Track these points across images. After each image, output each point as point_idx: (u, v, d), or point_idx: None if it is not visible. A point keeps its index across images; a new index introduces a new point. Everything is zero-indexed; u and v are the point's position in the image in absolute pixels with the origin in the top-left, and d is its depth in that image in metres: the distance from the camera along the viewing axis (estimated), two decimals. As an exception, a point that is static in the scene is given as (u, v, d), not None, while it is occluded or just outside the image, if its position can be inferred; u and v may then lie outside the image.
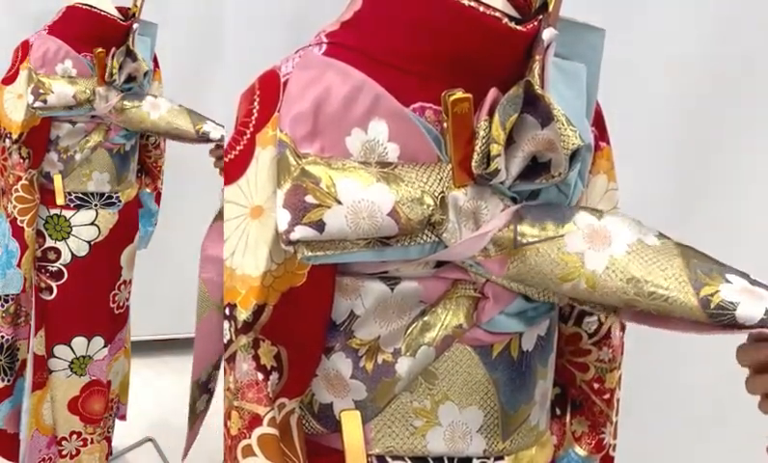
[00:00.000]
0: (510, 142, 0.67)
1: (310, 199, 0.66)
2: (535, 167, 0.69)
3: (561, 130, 0.64)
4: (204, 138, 1.58)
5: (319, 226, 0.66)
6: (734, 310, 0.61)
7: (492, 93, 0.68)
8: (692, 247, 0.67)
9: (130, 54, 1.64)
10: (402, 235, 0.68)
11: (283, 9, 2.09)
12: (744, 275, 0.64)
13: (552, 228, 0.68)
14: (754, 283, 0.63)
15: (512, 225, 0.68)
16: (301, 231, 0.67)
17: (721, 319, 0.62)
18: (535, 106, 0.66)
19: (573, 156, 0.66)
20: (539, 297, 0.73)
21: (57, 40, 1.66)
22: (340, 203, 0.66)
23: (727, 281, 0.63)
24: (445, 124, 0.68)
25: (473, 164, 0.67)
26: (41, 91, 1.62)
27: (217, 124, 1.60)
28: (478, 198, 0.68)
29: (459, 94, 0.66)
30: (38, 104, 1.62)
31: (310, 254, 0.68)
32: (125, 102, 1.65)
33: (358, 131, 0.68)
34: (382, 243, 0.68)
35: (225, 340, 0.74)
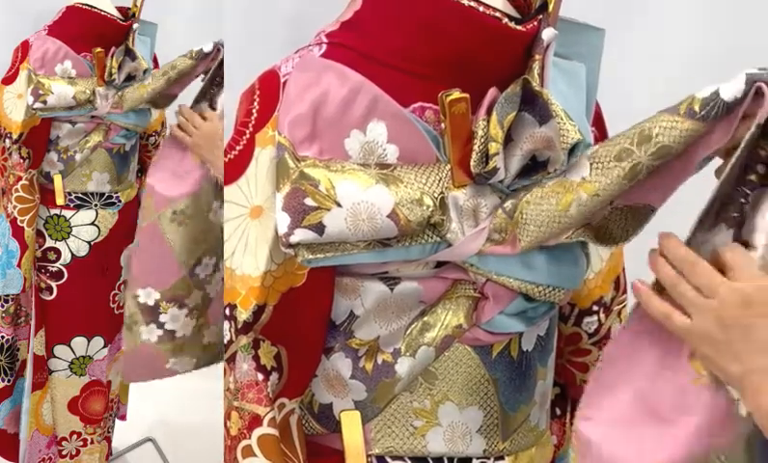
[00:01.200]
0: (509, 140, 0.67)
1: (309, 201, 0.66)
2: (535, 166, 0.69)
3: (560, 125, 0.64)
4: (200, 56, 1.55)
5: (319, 228, 0.66)
6: (718, 96, 0.61)
7: (491, 92, 0.68)
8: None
9: (129, 53, 1.64)
10: (402, 237, 0.68)
11: (283, 9, 2.09)
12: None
13: (534, 186, 0.68)
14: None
15: (499, 209, 0.68)
16: (301, 234, 0.66)
17: (713, 113, 0.61)
18: (533, 104, 0.66)
19: (572, 151, 0.65)
20: (540, 296, 0.73)
21: (56, 40, 1.66)
22: (339, 205, 0.66)
23: (702, 90, 0.62)
24: (443, 125, 0.68)
25: (471, 163, 0.67)
26: (41, 92, 1.62)
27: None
28: (477, 197, 0.68)
29: (456, 94, 0.66)
30: (38, 105, 1.62)
31: (310, 256, 0.68)
32: (124, 92, 1.65)
33: (357, 133, 0.68)
34: (382, 244, 0.68)
35: (225, 341, 0.74)
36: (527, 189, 0.68)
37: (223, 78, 1.53)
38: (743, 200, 0.63)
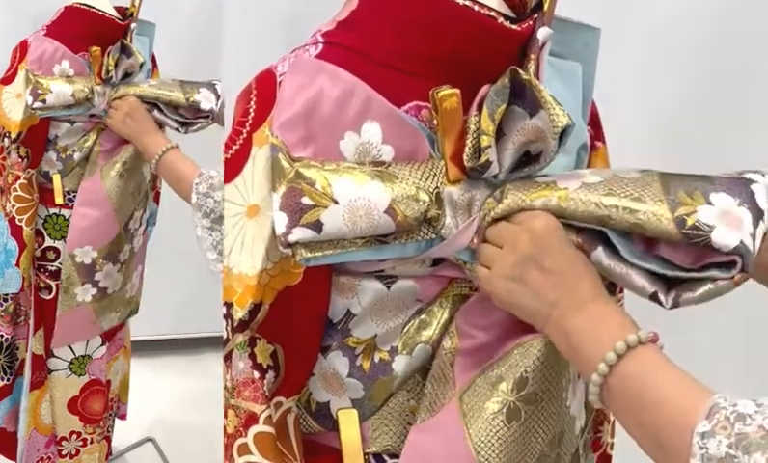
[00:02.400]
0: (501, 135, 0.67)
1: (306, 200, 0.66)
2: (528, 161, 0.69)
3: (549, 110, 0.64)
4: (194, 107, 1.58)
5: (317, 226, 0.66)
6: (709, 232, 0.60)
7: (484, 89, 0.68)
8: (684, 173, 0.65)
9: (125, 50, 1.64)
10: (399, 233, 0.68)
11: (280, 8, 2.09)
12: (741, 184, 0.63)
13: (528, 180, 0.68)
14: (745, 199, 0.62)
15: (492, 196, 0.68)
16: (299, 233, 0.67)
17: (695, 240, 0.60)
18: (523, 96, 0.66)
19: (561, 136, 0.65)
20: None
21: (54, 41, 1.66)
22: (336, 202, 0.66)
23: (709, 202, 0.61)
24: (435, 121, 0.68)
25: (464, 157, 0.67)
26: (40, 91, 1.62)
27: (214, 91, 1.60)
28: (471, 191, 0.69)
29: (447, 89, 0.66)
30: (37, 105, 1.62)
31: (308, 255, 0.68)
32: (119, 89, 1.66)
33: (351, 134, 0.68)
34: (380, 241, 0.68)
35: (223, 339, 0.74)
36: (516, 184, 0.68)
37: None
38: None
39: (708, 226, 0.60)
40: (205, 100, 1.57)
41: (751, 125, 1.48)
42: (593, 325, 0.60)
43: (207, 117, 1.58)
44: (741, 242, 0.59)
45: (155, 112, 1.59)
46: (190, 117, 1.59)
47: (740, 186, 0.63)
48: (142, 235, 1.72)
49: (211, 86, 1.61)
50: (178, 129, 1.59)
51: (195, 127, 1.60)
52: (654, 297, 0.63)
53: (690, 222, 0.60)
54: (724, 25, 1.46)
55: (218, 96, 1.58)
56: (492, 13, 0.68)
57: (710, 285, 0.62)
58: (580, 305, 0.61)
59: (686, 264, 0.62)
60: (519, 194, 0.66)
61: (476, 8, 0.67)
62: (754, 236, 0.60)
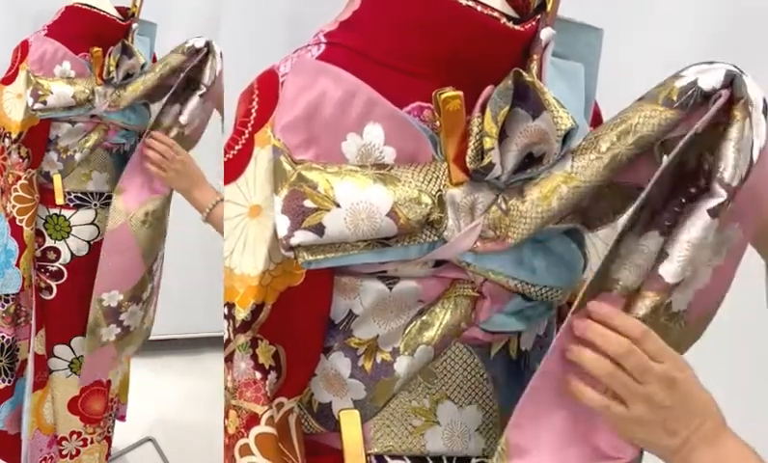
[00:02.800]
0: (504, 136, 0.67)
1: (308, 203, 0.66)
2: (531, 162, 0.69)
3: (553, 113, 0.64)
4: (191, 52, 1.56)
5: (319, 229, 0.66)
6: (696, 83, 0.61)
7: (487, 90, 0.68)
8: None
9: (126, 51, 1.64)
10: (402, 236, 0.68)
11: (281, 8, 2.09)
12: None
13: (527, 183, 0.68)
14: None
15: (496, 203, 0.68)
16: (301, 236, 0.67)
17: (690, 102, 0.61)
18: (526, 98, 0.66)
19: (565, 139, 0.65)
20: (538, 296, 0.73)
21: (54, 41, 1.66)
22: (338, 205, 0.66)
23: (681, 75, 0.63)
24: (438, 123, 0.68)
25: (467, 159, 0.67)
26: (41, 92, 1.62)
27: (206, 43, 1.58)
28: (473, 193, 0.68)
29: (450, 91, 0.66)
30: (38, 106, 1.62)
31: (310, 258, 0.68)
32: (120, 91, 1.66)
33: (354, 136, 0.68)
34: (382, 244, 0.68)
35: (224, 340, 0.74)
36: (524, 184, 0.68)
37: (198, 83, 1.54)
38: (677, 209, 0.64)
39: (691, 83, 0.62)
40: (197, 40, 1.56)
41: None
42: (721, 458, 0.62)
43: (199, 91, 1.55)
44: (727, 70, 0.61)
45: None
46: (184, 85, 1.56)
47: (710, 61, 0.65)
48: (160, 269, 1.73)
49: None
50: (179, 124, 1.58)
51: (191, 105, 1.56)
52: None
53: (675, 95, 0.62)
54: (724, 26, 1.46)
55: (211, 47, 1.56)
56: (495, 14, 0.68)
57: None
58: (708, 440, 0.63)
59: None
60: (528, 200, 0.66)
61: (479, 8, 0.67)
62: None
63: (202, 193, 1.48)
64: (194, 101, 1.53)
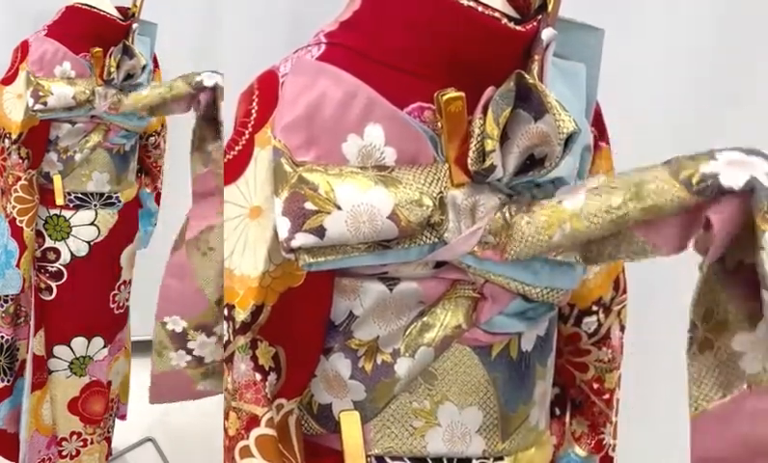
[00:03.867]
0: (505, 138, 0.67)
1: (309, 205, 0.66)
2: (533, 166, 0.69)
3: (555, 116, 0.64)
4: (198, 87, 1.56)
5: (320, 232, 0.66)
6: (716, 178, 0.58)
7: (488, 91, 0.68)
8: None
9: (127, 51, 1.64)
10: (402, 238, 0.68)
11: (282, 8, 2.09)
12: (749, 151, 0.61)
13: (536, 201, 0.68)
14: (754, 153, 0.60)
15: (501, 211, 0.68)
16: (302, 238, 0.66)
17: (707, 192, 0.59)
18: (528, 100, 0.66)
19: (567, 142, 0.65)
20: (538, 297, 0.73)
21: (54, 42, 1.66)
22: (339, 208, 0.66)
23: (713, 158, 0.60)
24: (439, 124, 0.68)
25: (469, 161, 0.66)
26: (41, 93, 1.62)
27: (215, 72, 1.58)
28: (475, 195, 0.68)
29: (452, 92, 0.65)
30: (38, 107, 1.62)
31: (311, 260, 0.67)
32: (122, 95, 1.65)
33: (354, 137, 0.68)
34: (382, 246, 0.68)
35: (224, 341, 0.74)
36: (531, 201, 0.68)
37: (217, 127, 1.53)
38: None
39: (713, 174, 0.59)
40: (208, 78, 1.55)
41: (750, 126, 1.48)
42: None
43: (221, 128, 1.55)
44: (752, 177, 0.57)
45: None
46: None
47: (751, 150, 0.61)
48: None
49: (215, 72, 1.59)
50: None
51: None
52: None
53: (695, 179, 0.59)
54: (724, 26, 1.46)
55: (219, 87, 1.56)
56: (496, 14, 0.67)
57: None
58: None
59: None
60: (533, 225, 0.66)
61: (479, 8, 0.67)
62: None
63: None
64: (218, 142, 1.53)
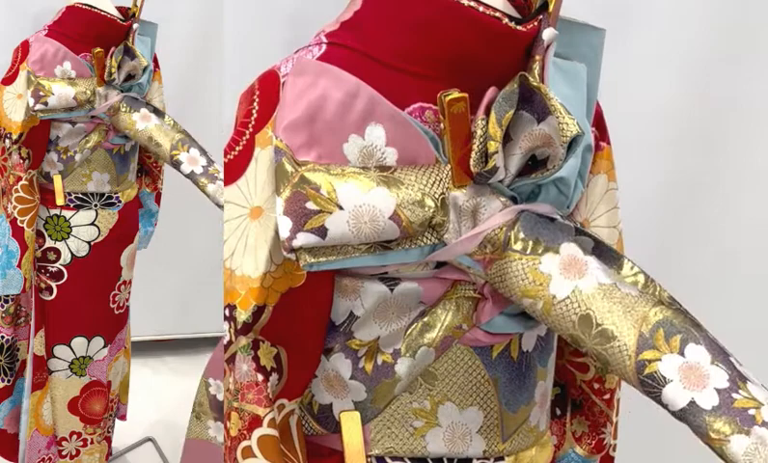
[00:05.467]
0: (508, 139, 0.67)
1: (311, 205, 0.66)
2: (535, 166, 0.69)
3: (559, 119, 0.64)
4: (175, 165, 1.58)
5: (322, 232, 0.66)
6: (663, 387, 0.59)
7: (490, 92, 0.68)
8: (679, 307, 0.64)
9: (129, 52, 1.64)
10: (404, 239, 0.68)
11: (283, 8, 2.09)
12: (721, 353, 0.60)
13: (539, 246, 0.68)
14: (735, 373, 0.59)
15: (506, 228, 0.68)
16: (303, 238, 0.66)
17: (648, 391, 0.60)
18: (531, 102, 0.66)
19: (571, 145, 0.65)
20: None
21: (55, 42, 1.66)
22: (341, 208, 0.66)
23: (681, 353, 0.60)
24: (442, 125, 0.67)
25: (471, 162, 0.66)
26: (42, 93, 1.62)
27: (208, 158, 1.57)
28: (477, 197, 0.68)
29: (455, 93, 0.65)
30: (39, 107, 1.62)
31: (312, 260, 0.67)
32: (123, 104, 1.65)
33: (355, 137, 0.68)
34: (383, 247, 0.68)
35: (225, 342, 0.74)
36: (537, 242, 0.68)
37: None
38: None
39: (664, 379, 0.59)
40: (188, 162, 1.57)
41: (749, 125, 1.48)
42: None
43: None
44: (691, 402, 0.57)
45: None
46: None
47: (723, 352, 0.61)
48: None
49: (206, 156, 1.59)
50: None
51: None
52: None
53: (648, 370, 0.60)
54: (724, 26, 1.46)
55: (209, 162, 1.57)
56: (497, 14, 0.67)
57: None
58: None
59: None
60: (514, 278, 0.67)
61: (480, 8, 0.67)
62: (721, 392, 0.57)
63: None
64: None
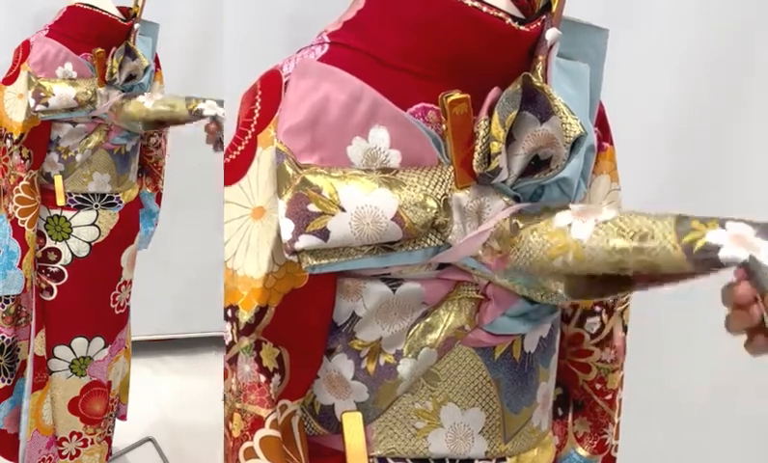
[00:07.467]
0: (511, 140, 0.67)
1: (313, 207, 0.66)
2: (538, 166, 0.69)
3: (562, 119, 0.64)
4: (197, 115, 1.55)
5: (324, 234, 0.66)
6: (717, 251, 0.56)
7: (493, 92, 0.68)
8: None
9: (130, 52, 1.64)
10: (406, 240, 0.67)
11: (283, 8, 2.09)
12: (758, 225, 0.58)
13: (546, 212, 0.67)
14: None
15: (510, 217, 0.68)
16: (306, 240, 0.66)
17: (705, 263, 0.57)
18: (534, 102, 0.66)
19: (573, 145, 0.65)
20: (541, 299, 0.72)
21: (56, 42, 1.65)
22: (343, 210, 0.66)
23: (722, 226, 0.58)
24: (444, 126, 0.67)
25: (474, 163, 0.66)
26: (43, 94, 1.62)
27: (217, 102, 1.56)
28: (480, 197, 0.68)
29: (457, 94, 0.65)
30: (40, 107, 1.62)
31: (315, 262, 0.67)
32: (124, 100, 1.65)
33: (359, 140, 0.68)
34: (386, 249, 0.68)
35: (227, 342, 0.74)
36: (540, 213, 0.67)
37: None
38: None
39: (716, 246, 0.56)
40: (209, 108, 1.55)
41: (750, 125, 1.48)
42: None
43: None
44: (751, 257, 0.55)
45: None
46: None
47: (763, 227, 0.58)
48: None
49: (220, 102, 1.58)
50: None
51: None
52: None
53: (698, 246, 0.57)
54: (725, 26, 1.46)
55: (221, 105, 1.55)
56: (500, 14, 0.67)
57: None
58: None
59: None
60: (537, 246, 0.65)
61: (484, 9, 0.67)
62: None
63: None
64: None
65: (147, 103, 1.61)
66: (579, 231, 0.64)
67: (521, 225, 0.67)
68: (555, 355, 0.83)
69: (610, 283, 0.66)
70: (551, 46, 0.68)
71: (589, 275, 0.66)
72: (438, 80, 0.68)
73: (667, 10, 1.45)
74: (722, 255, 0.56)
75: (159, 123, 1.64)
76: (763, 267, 0.55)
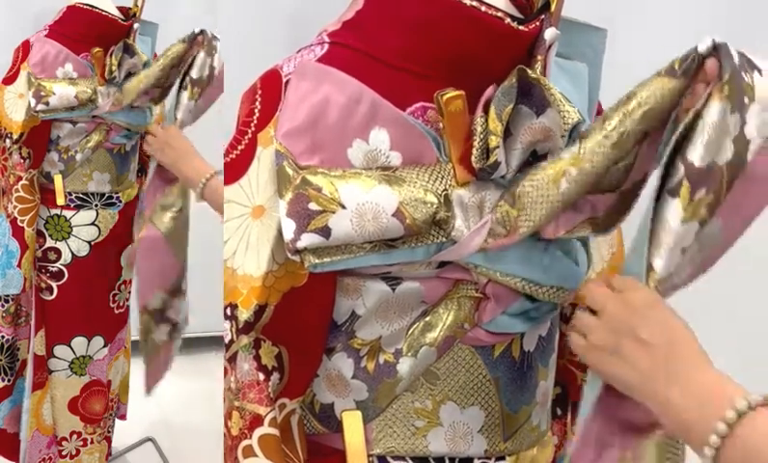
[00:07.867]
0: (508, 134, 0.67)
1: (313, 206, 0.66)
2: (536, 160, 0.69)
3: (559, 107, 0.64)
4: (191, 38, 1.50)
5: (325, 231, 0.66)
6: (695, 50, 0.61)
7: (489, 90, 0.68)
8: None
9: (128, 50, 1.64)
10: (408, 237, 0.67)
11: (283, 8, 2.09)
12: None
13: (532, 168, 0.68)
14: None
15: (502, 198, 0.68)
16: (308, 239, 0.66)
17: (692, 67, 0.61)
18: (530, 96, 0.66)
19: (571, 133, 0.65)
20: (544, 297, 0.73)
21: (56, 43, 1.65)
22: (344, 207, 0.66)
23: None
24: (441, 124, 0.67)
25: (473, 158, 0.66)
26: (43, 93, 1.62)
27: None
28: (481, 192, 0.68)
29: (452, 92, 0.65)
30: (40, 107, 1.62)
31: (317, 261, 0.68)
32: (122, 88, 1.65)
33: (359, 142, 0.68)
34: (388, 246, 0.68)
35: (226, 341, 0.74)
36: (531, 169, 0.67)
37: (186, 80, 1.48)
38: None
39: (691, 50, 0.61)
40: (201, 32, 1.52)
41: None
42: (697, 395, 0.56)
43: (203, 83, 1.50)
44: (724, 43, 0.60)
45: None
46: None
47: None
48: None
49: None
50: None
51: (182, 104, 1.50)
52: None
53: (677, 63, 0.61)
54: (724, 26, 1.46)
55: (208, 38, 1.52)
56: (499, 14, 0.67)
57: None
58: (680, 376, 0.57)
59: None
60: (536, 184, 0.66)
61: (482, 8, 0.67)
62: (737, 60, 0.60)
63: (191, 166, 1.36)
64: (183, 102, 1.45)
65: (142, 73, 1.60)
66: (567, 151, 0.65)
67: (514, 194, 0.67)
68: (554, 354, 0.83)
69: (626, 194, 0.67)
70: (550, 46, 0.68)
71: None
72: (437, 80, 0.68)
73: (666, 10, 1.45)
74: (700, 48, 0.60)
75: (161, 93, 1.61)
76: (729, 56, 0.60)
